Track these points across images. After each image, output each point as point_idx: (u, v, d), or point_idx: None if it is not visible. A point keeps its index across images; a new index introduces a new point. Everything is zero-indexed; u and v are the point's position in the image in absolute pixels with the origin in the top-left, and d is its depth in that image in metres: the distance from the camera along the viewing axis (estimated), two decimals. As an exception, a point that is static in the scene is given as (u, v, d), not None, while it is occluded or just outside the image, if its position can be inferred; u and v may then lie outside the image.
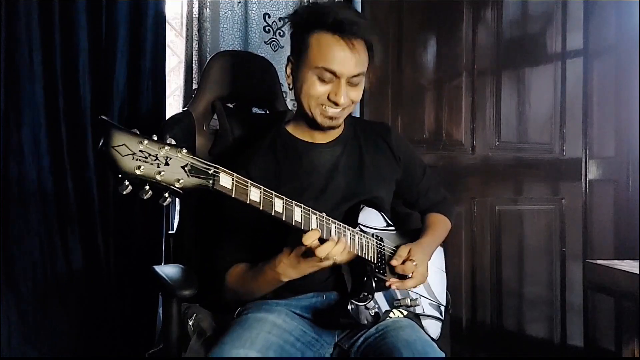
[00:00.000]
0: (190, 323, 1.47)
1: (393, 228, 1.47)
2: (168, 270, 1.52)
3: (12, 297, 1.90)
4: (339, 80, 1.30)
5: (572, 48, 2.70)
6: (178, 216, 1.89)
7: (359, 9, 2.35)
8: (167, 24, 2.17)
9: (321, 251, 1.16)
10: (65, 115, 1.95)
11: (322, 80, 1.31)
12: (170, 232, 1.94)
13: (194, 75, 2.17)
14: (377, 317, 1.31)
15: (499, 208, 2.58)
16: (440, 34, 2.51)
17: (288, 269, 1.24)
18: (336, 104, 1.32)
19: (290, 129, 1.46)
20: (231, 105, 1.84)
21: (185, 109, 1.79)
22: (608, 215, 2.80)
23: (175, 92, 2.42)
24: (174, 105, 2.36)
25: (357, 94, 1.36)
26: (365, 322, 1.29)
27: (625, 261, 2.23)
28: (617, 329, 2.59)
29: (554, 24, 2.68)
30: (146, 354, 2.03)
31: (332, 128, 1.40)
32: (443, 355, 1.26)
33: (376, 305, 1.31)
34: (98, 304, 2.00)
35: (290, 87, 1.38)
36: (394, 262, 1.33)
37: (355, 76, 1.32)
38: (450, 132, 2.50)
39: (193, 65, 2.17)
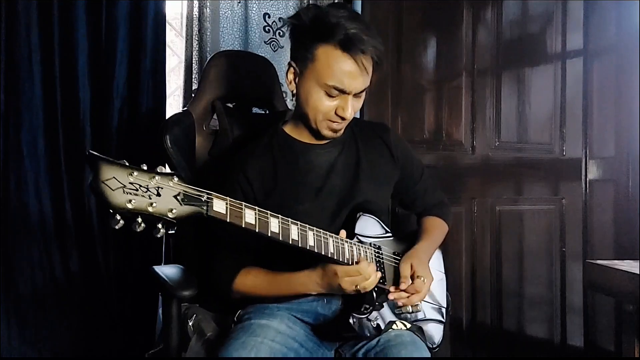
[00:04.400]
0: (190, 323, 1.47)
1: (390, 234, 1.46)
2: (168, 271, 1.52)
3: (11, 298, 1.90)
4: (346, 95, 1.30)
5: (572, 48, 2.70)
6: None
7: (359, 9, 2.35)
8: (167, 24, 2.17)
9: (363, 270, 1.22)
10: (64, 116, 1.95)
11: (329, 95, 1.30)
12: (170, 232, 1.93)
13: (194, 75, 2.17)
14: (380, 329, 1.30)
15: (499, 208, 2.58)
16: (440, 34, 2.51)
17: (325, 283, 1.26)
18: (343, 118, 1.32)
19: (287, 129, 1.45)
20: (231, 105, 1.84)
21: (185, 109, 1.79)
22: (608, 215, 2.80)
23: (175, 92, 2.42)
24: (174, 105, 2.36)
25: (360, 104, 1.36)
26: (368, 334, 1.29)
27: (625, 261, 2.22)
28: (617, 329, 2.59)
29: (554, 24, 2.68)
30: (146, 354, 2.03)
31: (334, 138, 1.40)
32: None
33: (378, 316, 1.31)
34: (98, 304, 2.00)
35: (293, 93, 1.37)
36: (402, 287, 1.31)
37: (361, 91, 1.32)
38: (450, 132, 2.50)
39: (193, 65, 2.17)
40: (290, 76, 1.36)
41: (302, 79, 1.32)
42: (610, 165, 2.79)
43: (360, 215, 1.39)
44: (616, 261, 2.25)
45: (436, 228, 1.56)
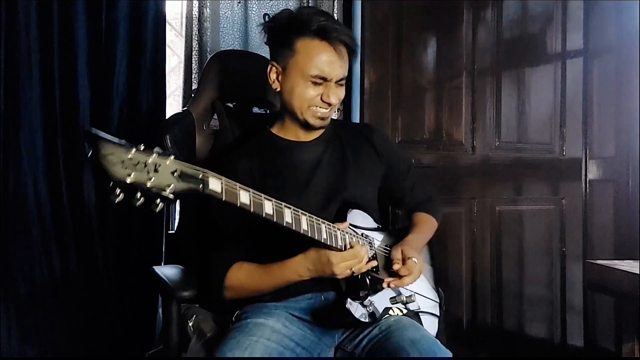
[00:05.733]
0: (190, 324, 1.47)
1: (381, 228, 1.49)
2: (167, 271, 1.52)
3: (11, 298, 1.90)
4: (329, 83, 1.37)
5: (572, 48, 2.70)
6: (178, 216, 1.89)
7: (359, 9, 2.36)
8: (167, 23, 2.17)
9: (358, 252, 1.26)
10: (63, 116, 1.95)
11: (314, 84, 1.37)
12: (170, 232, 1.94)
13: (194, 75, 2.17)
14: (374, 316, 1.31)
15: (499, 208, 2.58)
16: (440, 34, 2.51)
17: (318, 269, 1.28)
18: (329, 105, 1.38)
19: (274, 130, 1.50)
20: (231, 105, 1.84)
21: (185, 108, 1.79)
22: (608, 215, 2.80)
23: (175, 92, 2.42)
24: (173, 105, 2.36)
25: (342, 93, 1.42)
26: (365, 319, 1.29)
27: (625, 261, 2.23)
28: (617, 328, 2.58)
29: (554, 23, 2.68)
30: (146, 354, 2.03)
31: (322, 127, 1.45)
32: (450, 354, 1.26)
33: (373, 303, 1.31)
34: (98, 304, 2.00)
35: (277, 90, 1.43)
36: (395, 267, 1.34)
37: (341, 79, 1.39)
38: (450, 132, 2.50)
39: (193, 65, 2.17)
40: (273, 75, 1.43)
41: (285, 75, 1.40)
42: (610, 165, 2.79)
43: (350, 210, 1.42)
44: (616, 261, 2.25)
45: (425, 223, 1.58)
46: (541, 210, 2.68)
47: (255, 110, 1.96)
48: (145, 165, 0.95)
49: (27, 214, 1.91)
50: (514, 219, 2.63)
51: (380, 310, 1.32)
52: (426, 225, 1.58)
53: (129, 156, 0.94)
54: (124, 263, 2.04)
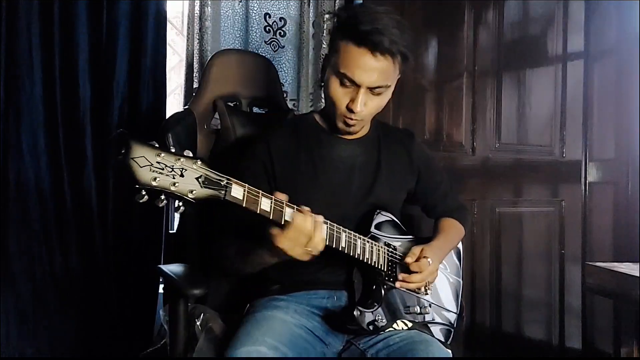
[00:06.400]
0: (198, 323, 1.45)
1: (410, 236, 1.48)
2: (176, 269, 1.50)
3: (10, 296, 1.89)
4: (358, 88, 1.30)
5: (572, 50, 2.70)
6: (178, 216, 1.88)
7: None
8: (168, 22, 2.16)
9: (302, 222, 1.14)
10: (64, 114, 1.94)
11: (343, 85, 1.32)
12: (170, 231, 1.93)
13: (195, 74, 2.17)
14: (377, 327, 1.31)
15: (499, 210, 2.58)
16: (441, 34, 2.51)
17: (275, 252, 1.19)
18: (352, 111, 1.32)
19: (317, 117, 1.48)
20: (232, 105, 1.84)
21: (187, 107, 1.79)
22: (607, 217, 2.80)
23: (175, 91, 2.41)
24: (174, 104, 2.35)
25: (377, 103, 1.35)
26: (370, 328, 1.29)
27: (624, 263, 2.23)
28: (616, 331, 2.59)
29: (555, 25, 2.68)
30: (143, 353, 2.02)
31: (349, 134, 1.41)
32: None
33: (381, 314, 1.32)
34: (96, 303, 1.99)
35: (322, 84, 1.41)
36: (408, 260, 1.34)
37: (376, 87, 1.32)
38: (450, 133, 2.50)
39: (194, 64, 2.17)
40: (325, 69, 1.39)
41: (326, 70, 1.37)
42: (610, 167, 2.80)
43: (378, 213, 1.41)
44: (615, 263, 2.26)
45: (452, 229, 1.58)
46: (541, 212, 2.68)
47: (256, 110, 1.95)
48: (172, 170, 0.99)
49: (28, 211, 1.90)
50: (514, 220, 2.63)
51: (386, 322, 1.33)
52: (451, 233, 1.58)
53: (158, 160, 0.97)
54: (123, 262, 2.04)
